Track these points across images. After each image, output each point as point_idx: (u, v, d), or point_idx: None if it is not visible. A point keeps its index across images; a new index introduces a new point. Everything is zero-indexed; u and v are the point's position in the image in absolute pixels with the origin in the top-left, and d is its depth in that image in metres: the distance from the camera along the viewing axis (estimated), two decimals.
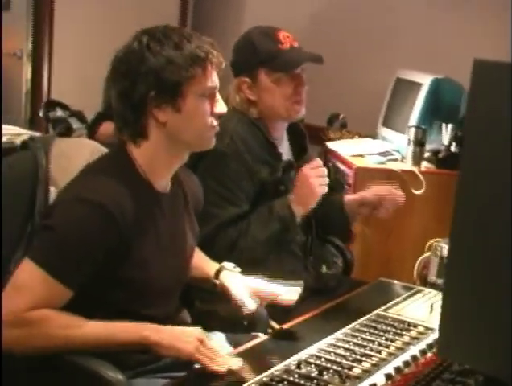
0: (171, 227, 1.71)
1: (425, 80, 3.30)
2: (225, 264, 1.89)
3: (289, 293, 1.79)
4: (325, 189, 2.09)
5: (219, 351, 1.53)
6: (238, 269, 1.88)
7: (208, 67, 1.60)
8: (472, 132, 0.88)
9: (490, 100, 0.87)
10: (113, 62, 1.62)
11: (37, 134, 2.90)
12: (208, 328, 1.87)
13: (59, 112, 3.00)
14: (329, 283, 2.32)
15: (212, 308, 1.98)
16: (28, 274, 1.50)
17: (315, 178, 2.06)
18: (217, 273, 1.86)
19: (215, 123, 1.65)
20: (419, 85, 3.32)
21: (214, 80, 1.63)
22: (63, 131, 2.95)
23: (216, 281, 1.85)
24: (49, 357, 1.48)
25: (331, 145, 3.56)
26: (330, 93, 4.03)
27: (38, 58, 4.47)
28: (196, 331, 1.55)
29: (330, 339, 1.70)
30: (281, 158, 2.18)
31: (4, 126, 2.93)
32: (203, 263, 1.93)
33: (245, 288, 1.81)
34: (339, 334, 1.73)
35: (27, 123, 3.29)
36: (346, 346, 1.66)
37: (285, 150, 2.27)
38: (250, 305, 1.77)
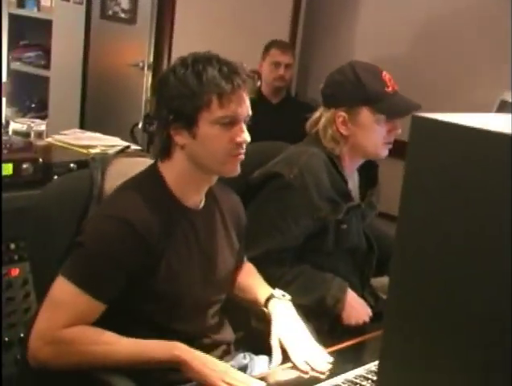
0: (204, 242, 1.75)
1: None
2: (275, 292, 1.88)
3: (319, 365, 1.71)
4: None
5: (245, 380, 1.57)
6: (288, 297, 1.87)
7: (224, 96, 1.60)
8: (409, 187, 0.89)
9: (428, 156, 0.88)
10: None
11: (133, 146, 3.05)
12: (259, 348, 1.92)
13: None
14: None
15: (267, 327, 2.00)
16: (61, 291, 1.58)
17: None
18: (267, 300, 1.86)
19: (236, 151, 1.65)
20: None
21: (234, 108, 1.62)
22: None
23: (265, 310, 1.85)
24: (74, 373, 1.57)
25: None
26: (435, 110, 3.94)
27: (158, 69, 4.69)
28: (224, 365, 1.60)
29: (361, 370, 1.70)
30: (349, 198, 2.16)
31: (103, 136, 3.11)
32: (256, 286, 1.93)
33: (282, 336, 1.77)
34: (372, 365, 1.73)
35: (130, 132, 3.45)
36: (375, 378, 1.66)
37: (354, 182, 2.26)
38: (275, 359, 1.75)
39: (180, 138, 1.64)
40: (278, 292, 1.88)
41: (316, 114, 2.20)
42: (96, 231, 1.63)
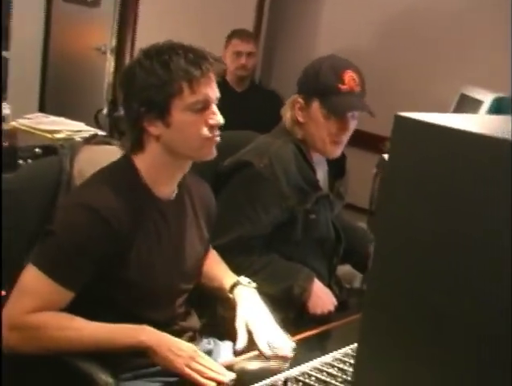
0: (175, 232, 1.77)
1: (486, 98, 3.23)
2: (241, 279, 1.91)
3: (283, 351, 1.73)
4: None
5: (210, 366, 1.59)
6: (254, 285, 1.90)
7: (194, 81, 1.62)
8: (390, 184, 0.92)
9: (408, 154, 0.90)
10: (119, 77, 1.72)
11: (98, 132, 3.03)
12: (223, 334, 1.95)
13: (121, 112, 3.12)
14: (350, 299, 2.35)
15: (232, 315, 2.03)
16: (30, 278, 1.59)
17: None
18: (232, 287, 1.89)
19: (211, 134, 1.67)
20: (480, 103, 3.26)
21: (205, 92, 1.64)
22: (123, 130, 3.07)
23: (231, 296, 1.88)
24: (42, 356, 1.57)
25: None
26: (397, 103, 4.00)
27: (120, 53, 4.64)
28: (191, 349, 1.61)
29: (328, 358, 1.73)
30: (317, 187, 2.20)
31: (68, 121, 3.09)
32: (221, 274, 1.96)
33: (247, 320, 1.79)
34: (338, 353, 1.76)
35: (94, 118, 3.43)
36: (341, 366, 1.69)
37: (323, 172, 2.30)
38: (240, 342, 1.76)
39: (154, 129, 1.65)
40: (244, 279, 1.91)
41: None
42: (65, 219, 1.63)
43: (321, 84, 2.14)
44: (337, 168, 2.33)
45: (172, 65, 1.61)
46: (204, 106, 1.65)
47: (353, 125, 2.19)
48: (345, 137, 2.19)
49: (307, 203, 2.15)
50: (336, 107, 2.14)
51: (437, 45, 4.03)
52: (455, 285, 0.87)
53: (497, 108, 3.20)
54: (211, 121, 1.66)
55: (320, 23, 4.59)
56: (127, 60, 4.61)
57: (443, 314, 0.88)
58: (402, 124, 0.90)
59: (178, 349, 1.59)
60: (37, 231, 1.67)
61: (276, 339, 1.76)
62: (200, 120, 1.65)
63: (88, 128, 3.03)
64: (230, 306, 1.89)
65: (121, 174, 1.71)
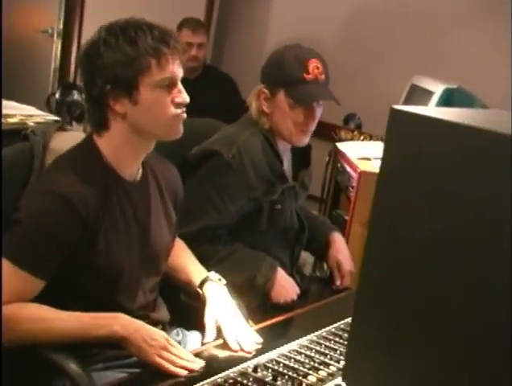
0: (142, 214, 1.75)
1: (437, 89, 3.30)
2: (211, 275, 1.89)
3: (248, 346, 1.73)
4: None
5: (181, 354, 1.59)
6: (224, 282, 1.89)
7: (162, 58, 1.62)
8: (384, 178, 0.93)
9: (405, 149, 0.92)
10: (79, 57, 1.69)
11: (51, 116, 2.97)
12: (190, 324, 1.95)
13: (75, 96, 3.07)
14: (311, 286, 2.39)
15: (196, 304, 2.01)
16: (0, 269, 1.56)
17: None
18: (202, 283, 1.87)
19: (178, 111, 1.66)
20: (430, 93, 3.33)
21: (172, 70, 1.64)
22: (76, 115, 3.03)
23: (200, 291, 1.87)
24: (14, 348, 1.54)
25: (340, 145, 3.59)
26: (349, 92, 4.05)
27: (67, 37, 4.55)
28: (162, 338, 1.60)
29: (294, 345, 1.75)
30: (284, 179, 2.22)
31: (19, 105, 3.00)
32: (190, 267, 1.94)
33: (217, 317, 1.79)
34: (304, 340, 1.79)
35: (46, 102, 3.36)
36: (308, 353, 1.72)
37: (288, 161, 2.32)
38: (209, 337, 1.77)
39: (120, 107, 1.64)
40: (213, 275, 1.90)
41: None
42: (31, 207, 1.61)
43: (286, 74, 2.15)
44: (302, 157, 2.35)
45: (140, 42, 1.60)
46: (171, 84, 1.65)
47: (318, 114, 2.21)
48: (312, 126, 2.21)
49: (274, 194, 2.17)
50: (301, 96, 2.15)
51: (389, 36, 4.09)
52: (451, 281, 0.88)
53: (448, 99, 3.27)
54: (177, 99, 1.65)
55: (271, 11, 4.60)
56: (75, 44, 4.54)
57: (436, 311, 0.90)
58: (398, 117, 0.92)
59: (151, 339, 1.58)
60: (5, 219, 1.63)
61: (243, 335, 1.76)
62: (167, 98, 1.64)
63: (40, 112, 2.95)
64: (195, 297, 1.89)
65: (85, 157, 1.68)
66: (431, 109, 0.92)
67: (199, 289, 1.87)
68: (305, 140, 2.24)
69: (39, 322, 1.56)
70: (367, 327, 0.98)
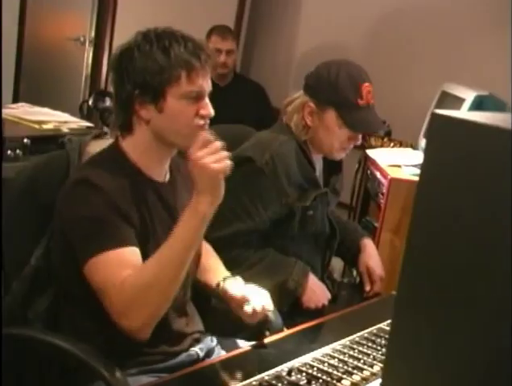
0: (175, 215, 1.73)
1: (468, 96, 3.30)
2: (230, 275, 1.88)
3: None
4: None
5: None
6: (241, 280, 1.86)
7: (192, 71, 1.63)
8: (425, 182, 0.94)
9: (445, 152, 0.92)
10: (111, 60, 1.71)
11: (84, 123, 3.02)
12: (222, 328, 1.96)
13: (107, 103, 3.11)
14: (342, 292, 2.39)
15: (227, 307, 2.02)
16: (101, 268, 1.56)
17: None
18: (218, 284, 1.84)
19: (201, 122, 1.67)
20: (461, 100, 3.32)
21: (201, 84, 1.66)
22: (108, 121, 3.06)
23: (218, 289, 1.84)
24: (52, 353, 1.56)
25: (370, 152, 3.59)
26: (378, 99, 4.04)
27: (99, 45, 4.61)
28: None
29: (327, 349, 1.76)
30: (317, 185, 2.23)
31: (53, 112, 3.06)
32: (214, 268, 1.93)
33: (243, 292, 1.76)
34: (337, 344, 1.79)
35: (79, 109, 3.42)
36: (341, 357, 1.72)
37: (319, 168, 2.33)
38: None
39: (146, 113, 1.66)
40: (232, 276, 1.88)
41: (295, 95, 2.26)
42: (73, 199, 1.61)
43: (340, 97, 2.15)
44: (333, 163, 2.36)
45: (173, 52, 1.62)
46: (198, 96, 1.66)
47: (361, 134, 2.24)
48: (353, 145, 2.24)
49: (307, 200, 2.18)
50: (355, 123, 2.17)
51: (419, 43, 4.09)
52: (496, 282, 0.88)
53: (479, 106, 3.27)
54: (202, 111, 1.67)
55: (300, 20, 4.62)
56: (106, 52, 4.60)
57: (479, 311, 0.90)
58: (438, 121, 0.92)
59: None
60: (44, 226, 1.66)
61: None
62: (192, 109, 1.66)
63: (74, 118, 3.00)
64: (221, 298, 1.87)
65: (114, 160, 1.70)
66: (471, 114, 0.93)
67: (217, 288, 1.84)
68: (343, 156, 2.27)
69: (154, 263, 1.56)
70: (407, 329, 0.99)
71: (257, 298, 1.73)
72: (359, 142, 2.24)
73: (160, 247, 1.57)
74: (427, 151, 0.95)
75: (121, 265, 1.56)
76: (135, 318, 1.55)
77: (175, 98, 1.64)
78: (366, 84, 2.18)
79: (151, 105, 1.64)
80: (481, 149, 0.88)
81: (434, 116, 0.93)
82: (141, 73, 1.63)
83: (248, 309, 1.69)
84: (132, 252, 1.59)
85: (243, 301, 1.72)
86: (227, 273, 1.91)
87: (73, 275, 1.63)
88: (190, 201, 1.63)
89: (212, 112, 1.69)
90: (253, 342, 1.79)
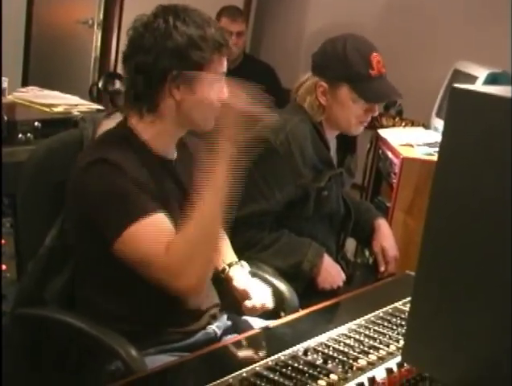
0: (187, 192, 1.73)
1: (481, 74, 3.27)
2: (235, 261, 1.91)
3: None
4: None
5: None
6: (248, 269, 1.90)
7: (223, 53, 1.66)
8: (445, 157, 0.93)
9: (465, 126, 0.91)
10: (132, 36, 1.66)
11: (95, 105, 3.01)
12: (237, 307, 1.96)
13: (117, 85, 3.11)
14: (355, 272, 2.38)
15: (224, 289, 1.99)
16: (138, 239, 1.56)
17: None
18: (224, 269, 1.89)
19: (219, 106, 1.65)
20: (474, 78, 3.29)
21: (224, 67, 1.68)
22: (118, 104, 3.05)
23: (227, 268, 1.88)
24: (69, 333, 1.57)
25: (382, 132, 3.57)
26: (389, 78, 4.03)
27: (107, 27, 4.59)
28: None
29: (343, 329, 1.76)
30: (331, 166, 2.22)
31: (63, 95, 3.05)
32: (224, 251, 1.93)
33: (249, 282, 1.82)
34: (352, 324, 1.79)
35: (89, 92, 3.41)
36: (357, 337, 1.72)
37: (333, 149, 2.32)
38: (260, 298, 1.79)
39: (178, 93, 1.65)
40: (239, 262, 1.91)
41: (304, 77, 2.24)
42: (93, 177, 1.61)
43: (351, 71, 2.14)
44: (346, 144, 2.34)
45: (208, 35, 1.63)
46: (220, 79, 1.68)
47: (378, 106, 2.22)
48: (370, 117, 2.21)
49: (322, 180, 2.17)
50: (369, 94, 2.15)
51: (430, 21, 4.05)
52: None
53: (492, 83, 3.23)
54: (222, 95, 1.66)
55: (308, 9, 4.58)
56: (115, 34, 4.58)
57: (497, 287, 0.90)
58: (458, 95, 0.91)
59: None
60: (59, 205, 1.66)
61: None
62: (214, 91, 1.67)
63: (85, 101, 3.00)
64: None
65: (125, 139, 1.69)
66: (490, 87, 0.91)
67: (226, 266, 1.87)
68: (361, 130, 2.25)
69: (194, 219, 1.57)
70: (427, 308, 0.98)
71: (258, 294, 1.79)
72: (376, 113, 2.22)
73: (193, 204, 1.57)
74: (446, 127, 0.94)
75: (158, 231, 1.57)
76: (190, 276, 1.55)
77: (206, 80, 1.64)
78: (375, 53, 2.16)
79: (186, 86, 1.64)
80: (502, 122, 0.87)
81: (453, 90, 0.92)
82: (180, 53, 1.62)
83: (248, 304, 1.77)
84: (162, 218, 1.60)
85: (244, 295, 1.79)
86: (234, 258, 1.93)
87: (95, 255, 1.64)
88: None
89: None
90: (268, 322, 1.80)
